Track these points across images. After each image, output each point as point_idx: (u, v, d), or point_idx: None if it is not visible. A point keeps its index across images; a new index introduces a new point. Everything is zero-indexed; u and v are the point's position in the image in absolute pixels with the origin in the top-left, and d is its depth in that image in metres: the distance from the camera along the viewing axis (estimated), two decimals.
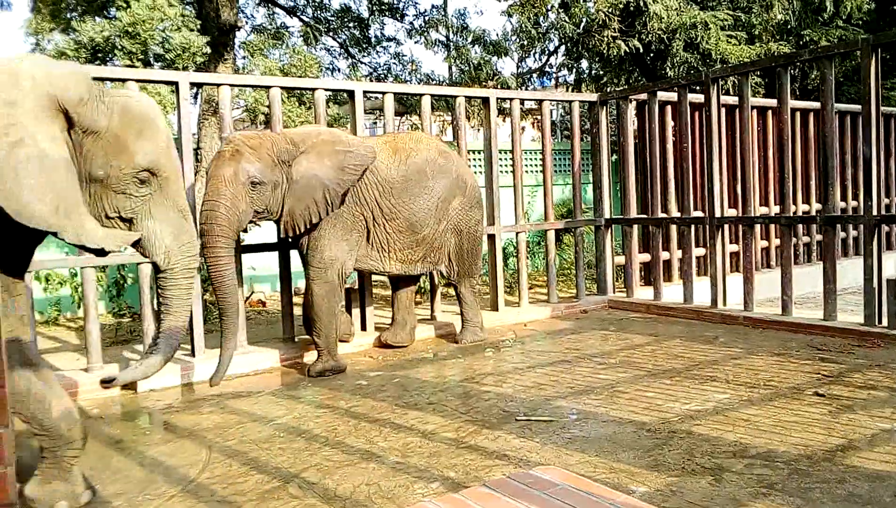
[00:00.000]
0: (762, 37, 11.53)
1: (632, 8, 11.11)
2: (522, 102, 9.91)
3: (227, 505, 3.18)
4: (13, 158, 2.69)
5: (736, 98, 7.88)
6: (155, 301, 4.11)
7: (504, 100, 7.86)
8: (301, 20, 15.51)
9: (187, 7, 11.01)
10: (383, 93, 6.88)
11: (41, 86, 2.81)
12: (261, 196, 5.10)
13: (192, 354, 5.77)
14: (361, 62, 15.92)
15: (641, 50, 11.43)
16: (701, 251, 8.44)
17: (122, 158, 3.04)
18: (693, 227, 7.61)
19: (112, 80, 5.87)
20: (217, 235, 4.92)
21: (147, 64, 8.86)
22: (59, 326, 8.36)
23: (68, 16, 9.70)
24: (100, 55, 8.83)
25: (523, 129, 17.28)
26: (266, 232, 7.34)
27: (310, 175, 5.25)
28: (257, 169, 5.02)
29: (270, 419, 4.43)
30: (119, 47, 8.49)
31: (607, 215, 8.31)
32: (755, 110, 9.07)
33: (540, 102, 8.13)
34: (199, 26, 9.42)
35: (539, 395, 4.64)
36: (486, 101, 7.44)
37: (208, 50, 9.43)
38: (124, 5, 8.72)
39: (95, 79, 3.60)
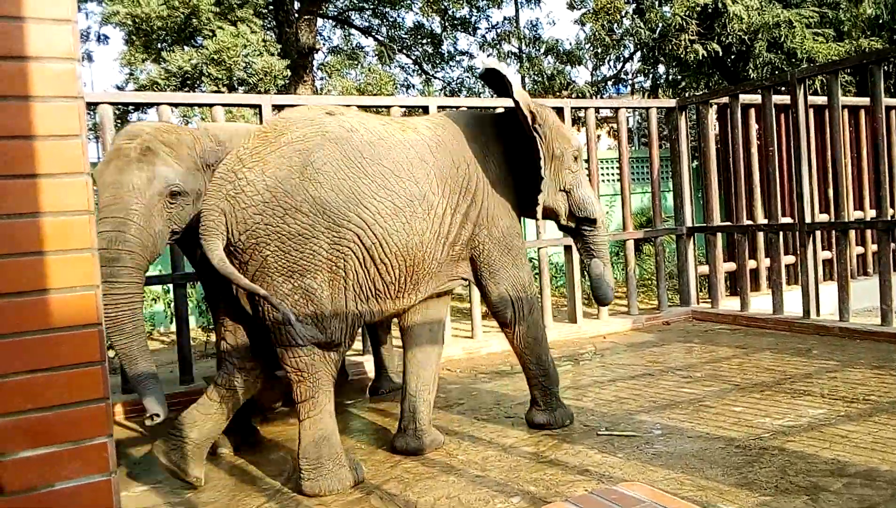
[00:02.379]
0: (852, 33, 11.00)
1: (710, 10, 10.82)
2: (597, 110, 9.77)
3: None
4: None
5: (824, 98, 7.54)
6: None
7: (579, 109, 7.78)
8: (376, 39, 15.90)
9: (268, 32, 11.46)
10: (457, 107, 6.94)
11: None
12: (181, 211, 3.83)
13: None
14: (435, 77, 16.16)
15: (721, 52, 11.09)
16: (791, 259, 8.10)
17: (564, 141, 4.12)
18: (781, 234, 7.29)
19: (200, 105, 6.16)
20: (127, 265, 3.59)
21: (232, 89, 9.28)
22: (154, 340, 8.79)
23: (159, 46, 10.28)
24: (188, 82, 9.31)
25: (599, 137, 17.03)
26: None
27: None
28: (178, 174, 3.77)
29: (352, 431, 4.51)
30: (206, 74, 8.93)
31: (689, 224, 8.07)
32: (846, 110, 8.64)
33: (616, 109, 8.01)
34: (279, 50, 9.81)
35: (621, 409, 4.54)
36: (560, 110, 7.38)
37: (289, 73, 9.79)
38: (210, 34, 9.17)
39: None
